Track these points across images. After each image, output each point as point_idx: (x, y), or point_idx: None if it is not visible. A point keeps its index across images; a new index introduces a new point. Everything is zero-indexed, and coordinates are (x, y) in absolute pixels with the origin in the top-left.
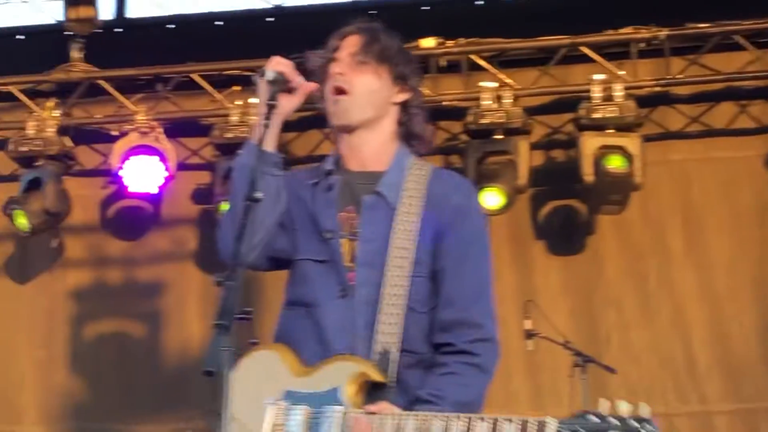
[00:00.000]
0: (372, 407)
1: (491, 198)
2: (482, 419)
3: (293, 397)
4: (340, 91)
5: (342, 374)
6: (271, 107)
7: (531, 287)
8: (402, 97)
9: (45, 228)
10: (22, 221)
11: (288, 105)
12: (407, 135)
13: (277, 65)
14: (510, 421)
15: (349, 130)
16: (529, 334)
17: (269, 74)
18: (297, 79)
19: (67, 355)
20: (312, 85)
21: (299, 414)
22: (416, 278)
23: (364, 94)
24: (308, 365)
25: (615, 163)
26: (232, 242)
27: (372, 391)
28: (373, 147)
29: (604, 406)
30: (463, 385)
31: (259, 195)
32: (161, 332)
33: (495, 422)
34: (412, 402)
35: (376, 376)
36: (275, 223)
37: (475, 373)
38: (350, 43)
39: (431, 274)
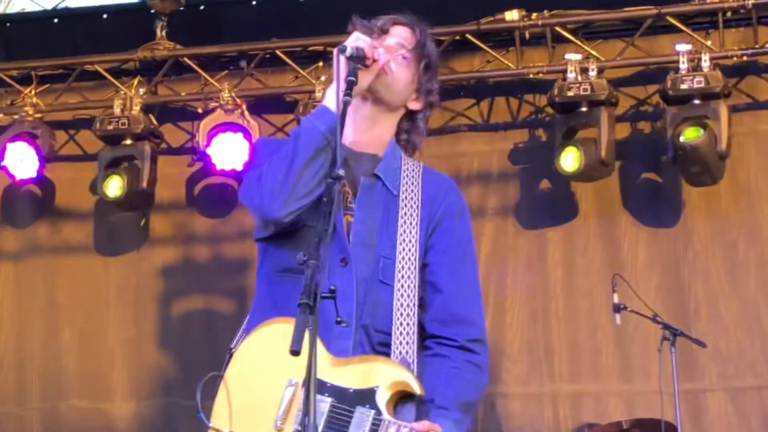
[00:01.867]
0: (421, 426)
1: (569, 159)
2: None
3: (317, 385)
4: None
5: (380, 376)
6: (351, 83)
7: (618, 261)
8: (416, 105)
9: (134, 207)
10: (114, 200)
11: (362, 81)
12: (404, 140)
13: (357, 41)
14: None
15: (370, 97)
16: (618, 308)
17: (349, 50)
18: (375, 56)
19: (156, 332)
20: (386, 62)
21: (324, 405)
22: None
23: (397, 82)
24: (327, 348)
25: (690, 135)
26: (273, 200)
27: (401, 400)
28: (377, 129)
29: None
30: (467, 384)
31: (341, 173)
32: (248, 308)
33: None
34: (419, 402)
35: (416, 388)
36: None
37: (477, 373)
38: (400, 34)
39: (422, 266)
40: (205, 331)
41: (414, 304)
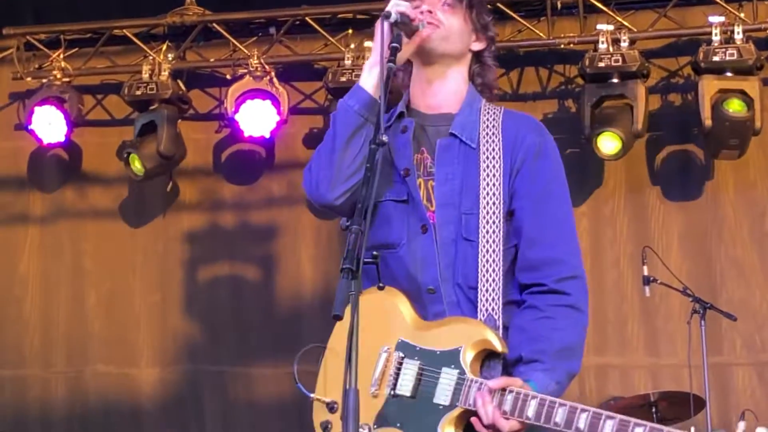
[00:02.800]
0: (496, 382)
1: (608, 143)
2: (611, 418)
3: (407, 349)
4: (430, 24)
5: (463, 337)
6: (395, 50)
7: (647, 233)
8: (479, 45)
9: (159, 172)
10: (136, 165)
11: (406, 49)
12: (479, 83)
13: (399, 6)
14: (640, 425)
15: (431, 60)
16: (647, 280)
17: (393, 16)
18: (418, 22)
19: (182, 298)
20: (433, 29)
21: (411, 369)
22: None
23: (453, 32)
24: (425, 317)
25: (734, 107)
26: (321, 186)
27: (487, 359)
28: (447, 86)
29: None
30: (561, 329)
31: (385, 139)
32: (274, 275)
33: (623, 423)
34: (515, 360)
35: (498, 346)
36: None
37: (570, 314)
38: None
39: (507, 214)
40: (230, 298)
41: (499, 259)
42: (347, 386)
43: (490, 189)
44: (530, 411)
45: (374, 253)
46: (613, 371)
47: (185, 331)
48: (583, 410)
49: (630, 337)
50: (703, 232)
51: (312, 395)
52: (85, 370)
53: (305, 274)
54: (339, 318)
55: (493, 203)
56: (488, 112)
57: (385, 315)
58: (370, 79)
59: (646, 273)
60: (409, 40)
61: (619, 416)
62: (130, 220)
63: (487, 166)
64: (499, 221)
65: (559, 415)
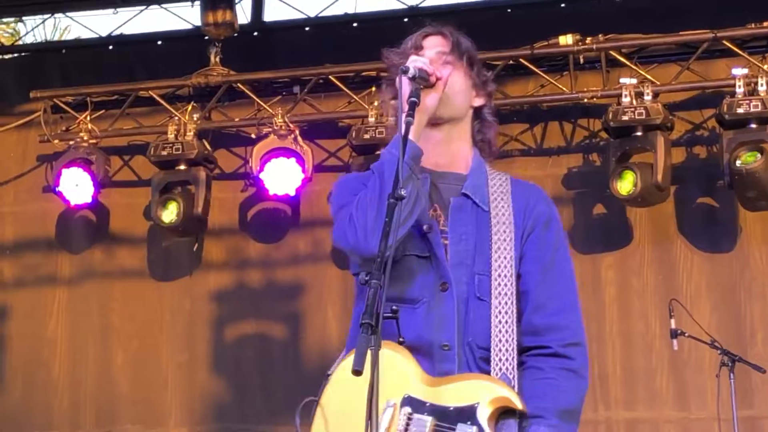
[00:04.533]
0: None
1: (624, 182)
2: None
3: (414, 404)
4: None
5: (479, 393)
6: (413, 104)
7: (674, 285)
8: (479, 101)
9: (188, 232)
10: (168, 225)
11: (430, 102)
12: (480, 140)
13: (417, 61)
14: None
15: (437, 123)
16: (675, 333)
17: (411, 71)
18: (437, 75)
19: (209, 356)
20: (450, 80)
21: (423, 425)
22: None
23: (455, 91)
24: (431, 374)
25: (745, 160)
26: (370, 238)
27: (501, 416)
28: (453, 147)
29: None
30: (563, 391)
31: (403, 193)
32: (301, 333)
33: None
34: (521, 417)
35: (517, 403)
36: (412, 223)
37: (573, 378)
38: (435, 43)
39: (516, 277)
40: (258, 356)
41: (512, 320)
42: None
43: (502, 251)
44: None
45: (393, 307)
46: (643, 426)
47: (213, 390)
48: None
49: (659, 391)
50: (731, 284)
51: None
52: (113, 430)
53: (332, 330)
54: (359, 373)
55: (505, 265)
56: (495, 178)
57: (389, 370)
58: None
59: (673, 326)
60: (432, 91)
61: None
62: (158, 280)
63: (498, 230)
64: (511, 283)
65: None
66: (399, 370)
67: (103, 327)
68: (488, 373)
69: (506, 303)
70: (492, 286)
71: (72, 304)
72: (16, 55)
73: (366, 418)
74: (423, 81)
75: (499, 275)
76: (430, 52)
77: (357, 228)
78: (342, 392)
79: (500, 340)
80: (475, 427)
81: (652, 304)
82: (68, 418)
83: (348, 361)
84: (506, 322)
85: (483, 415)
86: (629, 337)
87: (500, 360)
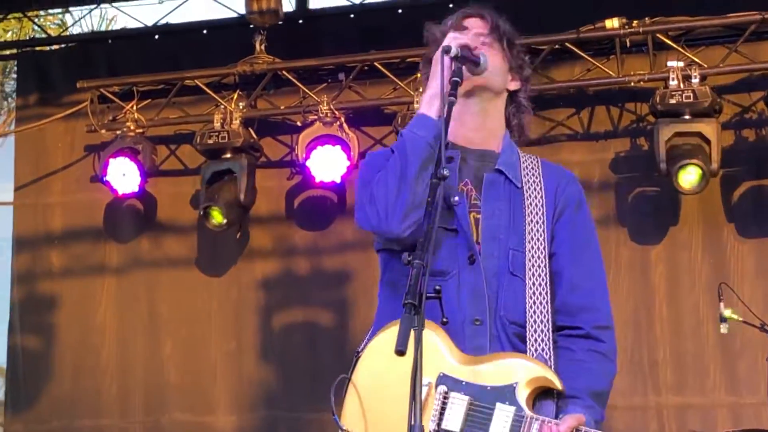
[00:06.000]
0: (566, 425)
1: (688, 176)
2: None
3: (451, 383)
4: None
5: (517, 372)
6: (455, 84)
7: (723, 269)
8: (514, 85)
9: (236, 221)
10: (217, 216)
11: (473, 79)
12: (514, 124)
13: (459, 39)
14: None
15: (471, 94)
16: (724, 318)
17: (454, 50)
18: (478, 51)
19: (257, 345)
20: (494, 61)
21: (460, 404)
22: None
23: (494, 69)
24: (464, 350)
25: None
26: (390, 218)
27: (538, 396)
28: (487, 122)
29: None
30: (595, 374)
31: (446, 173)
32: (348, 320)
33: None
34: (558, 397)
35: (557, 384)
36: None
37: (603, 362)
38: (476, 24)
39: (549, 257)
40: (305, 344)
41: (547, 300)
42: (412, 422)
43: (535, 230)
44: None
45: (436, 287)
46: (693, 411)
47: (260, 378)
48: None
49: (709, 376)
50: None
51: (344, 427)
52: (162, 418)
53: None
54: (402, 353)
55: (539, 244)
56: (526, 159)
57: (425, 348)
58: (432, 110)
59: (723, 310)
60: (471, 74)
61: None
62: (205, 269)
63: (532, 209)
64: (545, 263)
65: None
66: (432, 348)
67: (151, 316)
68: (522, 351)
69: (540, 282)
70: (526, 263)
71: (120, 293)
72: (63, 46)
73: (410, 399)
74: (465, 60)
75: (534, 254)
76: (470, 34)
77: (378, 208)
78: (374, 369)
79: (535, 321)
80: (513, 407)
81: (701, 289)
82: (117, 406)
83: (378, 339)
84: (541, 302)
85: (522, 395)
86: (678, 321)
87: (536, 340)
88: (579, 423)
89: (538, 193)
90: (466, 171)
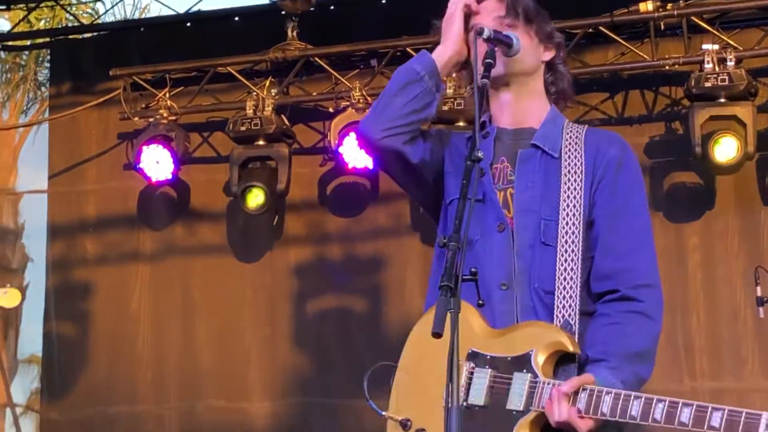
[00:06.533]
0: (569, 384)
1: (724, 148)
2: (688, 405)
3: (477, 359)
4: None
5: (534, 340)
6: (489, 65)
7: (759, 253)
8: (548, 55)
9: (270, 208)
10: (259, 195)
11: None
12: (554, 92)
13: (491, 22)
14: (718, 409)
15: (503, 83)
16: (761, 301)
17: (486, 32)
18: (512, 38)
19: (291, 331)
20: (525, 45)
21: (482, 378)
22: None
23: (524, 51)
24: (495, 327)
25: None
26: (370, 122)
27: (561, 362)
28: (525, 104)
29: None
30: (629, 335)
31: (480, 155)
32: (382, 306)
33: (700, 408)
34: (582, 363)
35: (569, 346)
36: (416, 121)
37: (641, 321)
38: (492, 8)
39: (587, 225)
40: (339, 330)
41: (577, 267)
42: (449, 404)
43: (571, 198)
44: (605, 407)
45: (472, 270)
46: (729, 395)
47: (295, 365)
48: (659, 400)
49: (746, 360)
50: None
51: (384, 413)
52: (196, 405)
53: (413, 303)
54: (439, 336)
55: (573, 212)
56: (571, 128)
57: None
58: (436, 53)
59: (759, 294)
60: (505, 55)
61: (697, 403)
62: (239, 255)
63: (569, 177)
64: (579, 230)
65: (635, 408)
66: (463, 327)
67: (186, 302)
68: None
69: (572, 250)
70: (559, 231)
71: (154, 280)
72: (95, 34)
73: (447, 381)
74: (498, 42)
75: (568, 221)
76: (488, 18)
77: (363, 119)
78: (417, 352)
79: (564, 287)
80: (529, 375)
81: (737, 272)
82: (152, 392)
83: (422, 323)
84: (571, 269)
85: (538, 361)
86: (714, 306)
87: (563, 306)
88: (584, 382)
89: (578, 160)
90: (501, 149)
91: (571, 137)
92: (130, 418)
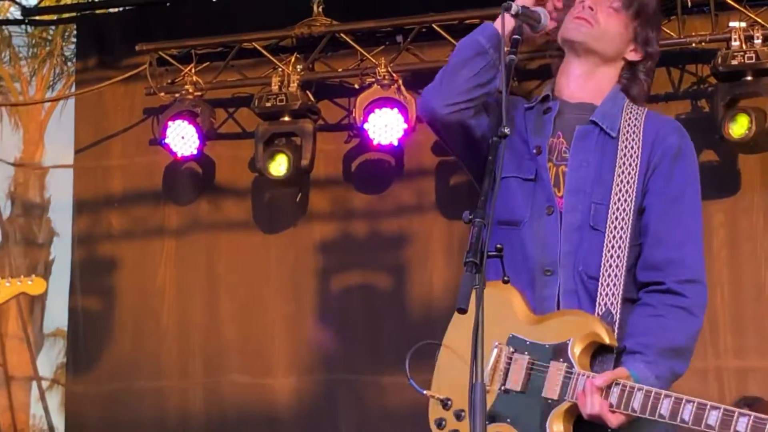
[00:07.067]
0: (602, 379)
1: (737, 125)
2: (716, 408)
3: (517, 343)
4: (584, 20)
5: (572, 330)
6: (516, 42)
7: None
8: (634, 56)
9: (292, 183)
10: (284, 163)
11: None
12: (624, 89)
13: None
14: (744, 415)
15: (579, 53)
16: None
17: (515, 7)
18: (540, 14)
19: (315, 307)
20: (552, 24)
21: (521, 363)
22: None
23: (607, 33)
24: (533, 300)
25: None
26: (430, 96)
27: (598, 353)
28: (593, 82)
29: None
30: (670, 329)
31: (507, 131)
32: (406, 283)
33: (727, 412)
34: (618, 353)
35: (605, 338)
36: (482, 95)
37: (683, 317)
38: None
39: (638, 210)
40: (363, 307)
41: (624, 254)
42: (473, 381)
43: (625, 182)
44: (636, 403)
45: (498, 246)
46: (754, 374)
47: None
48: (688, 401)
49: None
50: None
51: (426, 392)
52: (221, 380)
53: (437, 280)
54: (464, 311)
55: (626, 197)
56: (631, 109)
57: (497, 310)
58: (499, 24)
59: None
60: (532, 31)
61: (724, 406)
62: (263, 231)
63: (624, 160)
64: (629, 216)
65: (665, 407)
66: (506, 311)
67: (210, 278)
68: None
69: (621, 236)
70: (609, 216)
71: (179, 256)
72: (121, 9)
73: (471, 360)
74: (527, 18)
75: (619, 206)
76: None
77: (425, 93)
78: (459, 332)
79: (609, 275)
80: (565, 364)
81: (762, 250)
82: (177, 367)
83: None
84: (618, 255)
85: (575, 351)
86: (739, 284)
87: (606, 294)
88: (618, 377)
89: (636, 143)
90: (560, 123)
91: (630, 118)
92: (155, 393)
